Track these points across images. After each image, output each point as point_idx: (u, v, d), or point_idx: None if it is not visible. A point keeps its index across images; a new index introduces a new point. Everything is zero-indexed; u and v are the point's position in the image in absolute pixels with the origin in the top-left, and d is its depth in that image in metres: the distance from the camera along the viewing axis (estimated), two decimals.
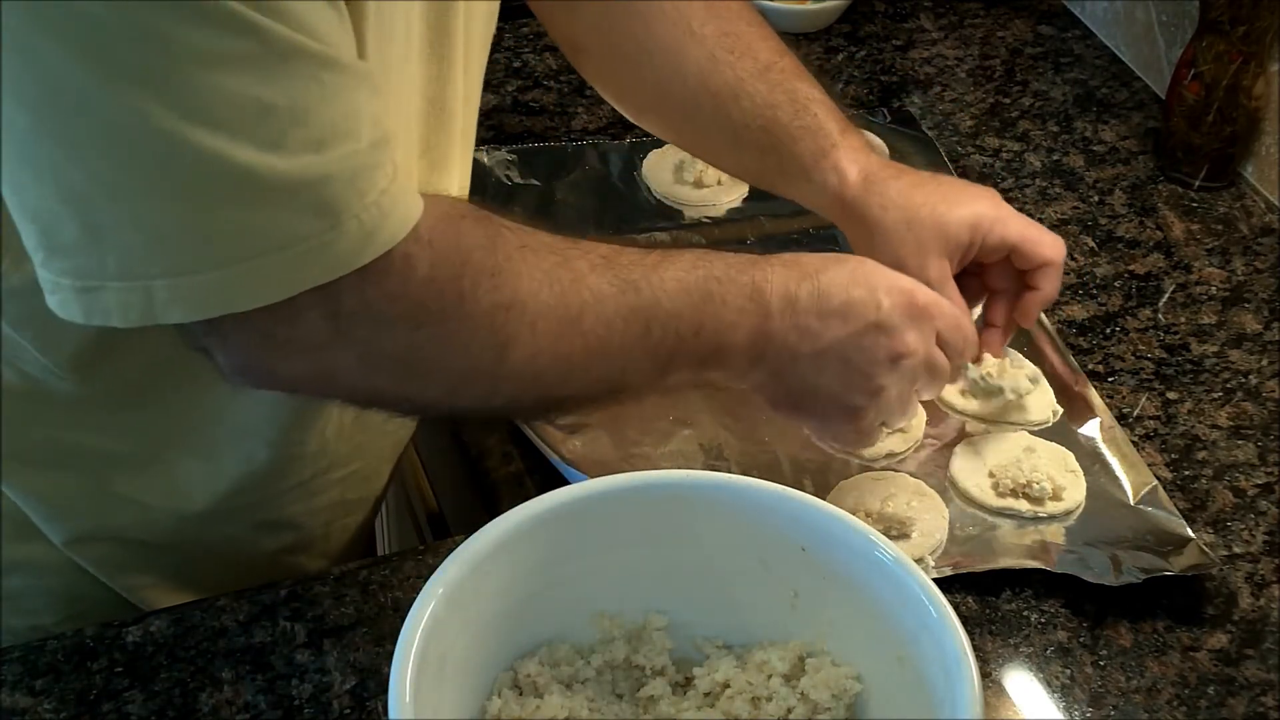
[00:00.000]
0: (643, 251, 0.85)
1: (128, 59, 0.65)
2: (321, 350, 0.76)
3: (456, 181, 0.97)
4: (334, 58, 0.70)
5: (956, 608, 0.77)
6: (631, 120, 1.10)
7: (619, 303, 0.82)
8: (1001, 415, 1.07)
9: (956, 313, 0.93)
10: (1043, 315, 1.16)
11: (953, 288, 0.98)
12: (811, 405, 0.91)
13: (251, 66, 0.67)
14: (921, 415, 1.07)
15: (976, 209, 0.99)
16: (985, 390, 1.06)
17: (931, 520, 0.99)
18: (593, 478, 0.84)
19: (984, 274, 1.03)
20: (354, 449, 1.00)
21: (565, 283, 0.81)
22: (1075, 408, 1.09)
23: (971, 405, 1.08)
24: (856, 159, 1.02)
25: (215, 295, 0.71)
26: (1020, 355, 1.09)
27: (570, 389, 0.85)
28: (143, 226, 0.69)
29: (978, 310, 1.04)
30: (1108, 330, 1.18)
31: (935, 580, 0.78)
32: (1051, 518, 1.01)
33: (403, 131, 0.87)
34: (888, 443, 1.05)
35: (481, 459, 1.06)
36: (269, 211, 0.70)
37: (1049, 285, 1.01)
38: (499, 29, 1.43)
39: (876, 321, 0.88)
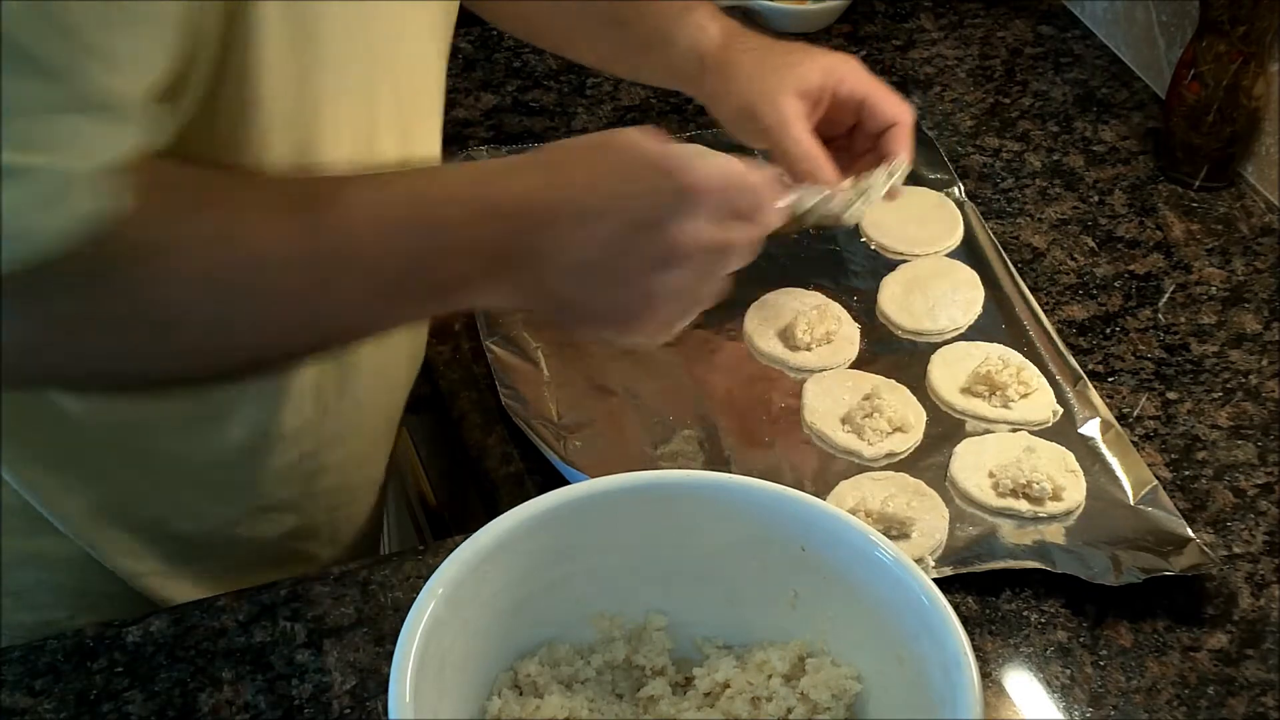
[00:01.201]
0: (356, 185, 0.76)
1: None
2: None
3: (425, 142, 0.96)
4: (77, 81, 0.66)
5: (956, 608, 0.77)
6: (503, 30, 1.11)
7: (302, 262, 0.74)
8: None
9: (731, 173, 0.80)
10: (1042, 315, 1.16)
11: (802, 126, 0.99)
12: (577, 320, 0.82)
13: None
14: (921, 415, 1.07)
15: (831, 61, 1.03)
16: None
17: (931, 520, 0.99)
18: (593, 478, 0.84)
19: (846, 141, 1.04)
20: (344, 427, 1.00)
21: (239, 253, 0.73)
22: (1075, 408, 1.09)
23: (972, 405, 1.08)
24: (716, 16, 1.04)
25: None
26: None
27: (261, 355, 0.79)
28: None
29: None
30: (1108, 330, 1.18)
31: (935, 580, 0.78)
32: (1051, 518, 1.01)
33: (356, 84, 0.85)
34: (888, 443, 1.05)
35: (481, 459, 1.06)
36: None
37: (901, 148, 1.02)
38: (499, 29, 1.43)
39: (638, 220, 0.76)
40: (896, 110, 1.03)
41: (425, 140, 0.97)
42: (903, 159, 1.02)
